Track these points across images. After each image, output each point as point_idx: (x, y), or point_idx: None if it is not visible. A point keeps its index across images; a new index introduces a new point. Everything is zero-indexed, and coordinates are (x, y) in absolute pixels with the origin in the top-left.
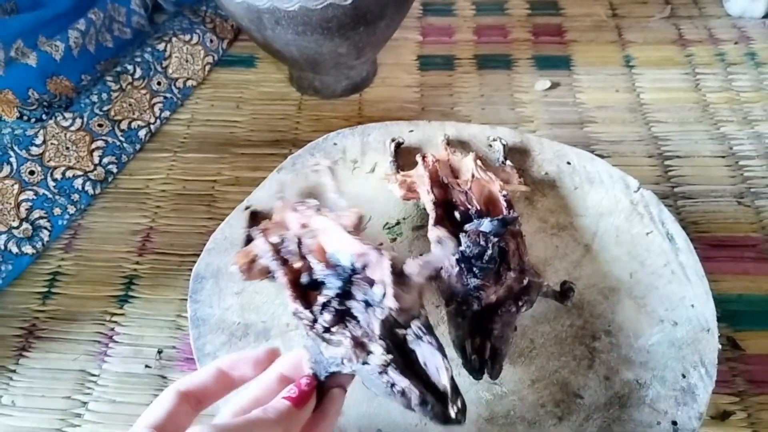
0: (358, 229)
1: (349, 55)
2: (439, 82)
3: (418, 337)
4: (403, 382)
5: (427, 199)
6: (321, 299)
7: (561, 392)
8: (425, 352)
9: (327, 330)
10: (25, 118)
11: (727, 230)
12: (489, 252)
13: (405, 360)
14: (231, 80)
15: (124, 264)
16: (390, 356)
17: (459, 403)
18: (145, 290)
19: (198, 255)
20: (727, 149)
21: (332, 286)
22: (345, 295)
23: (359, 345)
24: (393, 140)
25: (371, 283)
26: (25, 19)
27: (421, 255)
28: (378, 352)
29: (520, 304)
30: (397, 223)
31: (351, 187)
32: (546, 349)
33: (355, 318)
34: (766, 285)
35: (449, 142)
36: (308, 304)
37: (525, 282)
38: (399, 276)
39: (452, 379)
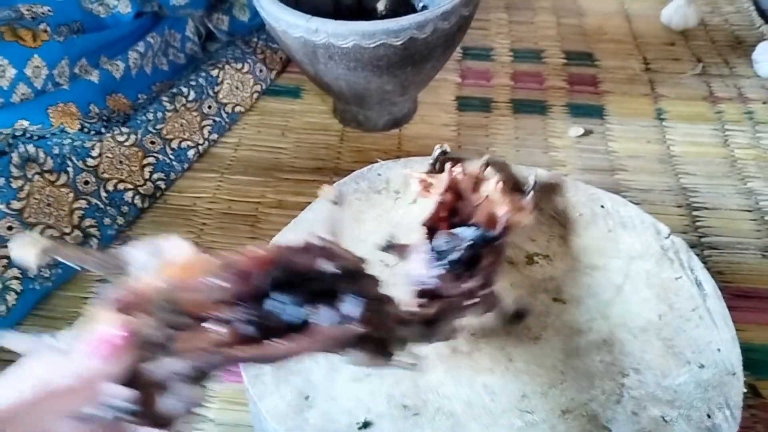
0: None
1: (394, 92)
2: (476, 123)
3: None
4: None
5: (435, 199)
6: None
7: (590, 424)
8: None
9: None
10: (86, 130)
11: (751, 282)
12: (457, 253)
13: None
14: (277, 109)
15: None
16: None
17: None
18: None
19: None
20: (753, 204)
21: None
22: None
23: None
24: (440, 146)
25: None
26: (90, 39)
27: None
28: None
29: (465, 304)
30: None
31: (393, 216)
32: (577, 383)
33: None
34: None
35: (489, 164)
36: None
37: (480, 294)
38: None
39: None
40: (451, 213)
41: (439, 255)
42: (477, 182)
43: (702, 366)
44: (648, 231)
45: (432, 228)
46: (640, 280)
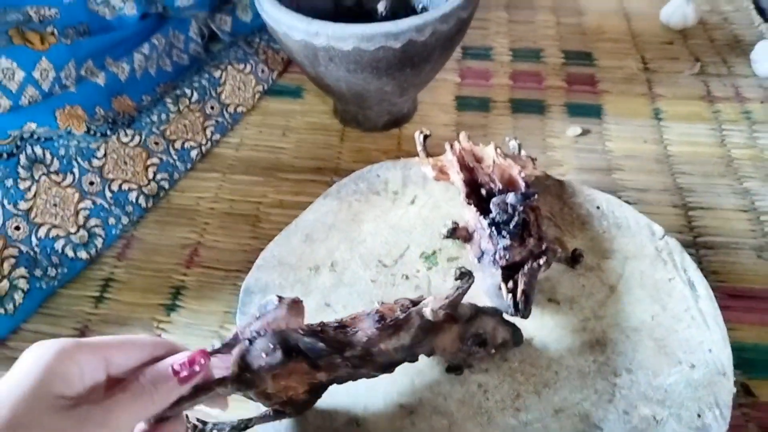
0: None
1: (394, 93)
2: (475, 123)
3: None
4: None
5: (457, 178)
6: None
7: (582, 423)
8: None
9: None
10: (92, 132)
11: (746, 282)
12: (515, 219)
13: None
14: (278, 109)
15: (173, 275)
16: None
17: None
18: (191, 301)
19: (241, 271)
20: (749, 204)
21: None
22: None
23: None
24: (421, 132)
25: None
26: (96, 41)
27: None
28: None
29: (541, 263)
30: (433, 253)
31: (391, 217)
32: (570, 382)
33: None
34: None
35: (469, 138)
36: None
37: (543, 247)
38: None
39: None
40: (473, 188)
41: (499, 227)
42: (475, 154)
43: (693, 366)
44: (642, 232)
45: (476, 203)
46: (634, 280)
